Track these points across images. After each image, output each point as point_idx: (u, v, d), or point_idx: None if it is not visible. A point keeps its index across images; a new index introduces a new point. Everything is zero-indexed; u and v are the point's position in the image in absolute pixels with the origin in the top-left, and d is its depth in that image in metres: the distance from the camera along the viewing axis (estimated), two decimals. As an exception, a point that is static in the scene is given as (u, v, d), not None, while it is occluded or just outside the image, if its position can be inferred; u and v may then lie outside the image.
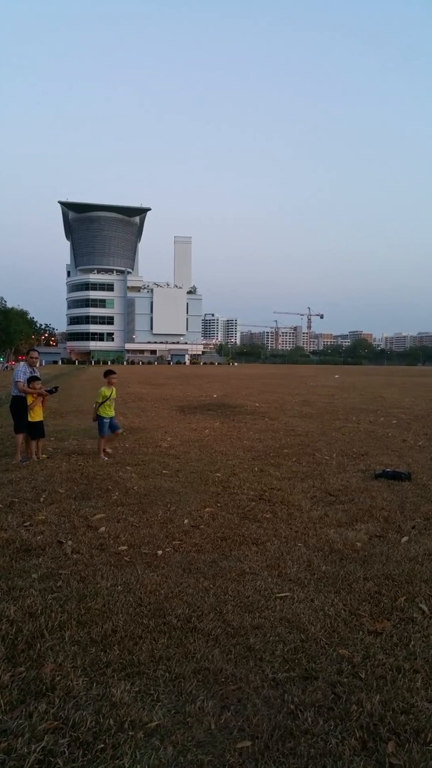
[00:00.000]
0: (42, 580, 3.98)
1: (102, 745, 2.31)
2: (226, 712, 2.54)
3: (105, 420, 8.85)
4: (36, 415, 8.69)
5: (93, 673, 2.83)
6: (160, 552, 4.57)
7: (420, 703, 2.61)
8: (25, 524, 5.29)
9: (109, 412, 8.90)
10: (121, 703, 2.58)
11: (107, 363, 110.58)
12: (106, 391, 8.90)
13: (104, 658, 2.96)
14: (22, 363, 9.35)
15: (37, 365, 9.36)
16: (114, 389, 9.17)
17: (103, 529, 5.15)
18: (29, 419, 8.61)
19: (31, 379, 8.75)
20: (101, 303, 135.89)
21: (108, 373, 9.24)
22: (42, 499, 6.20)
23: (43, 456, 8.81)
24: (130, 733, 2.38)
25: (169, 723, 2.46)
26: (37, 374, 9.02)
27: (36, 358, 9.33)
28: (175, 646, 3.09)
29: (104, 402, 8.83)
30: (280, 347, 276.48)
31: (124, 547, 4.68)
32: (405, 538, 5.00)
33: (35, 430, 8.72)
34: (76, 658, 2.95)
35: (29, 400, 8.65)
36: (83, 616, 3.42)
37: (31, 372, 8.88)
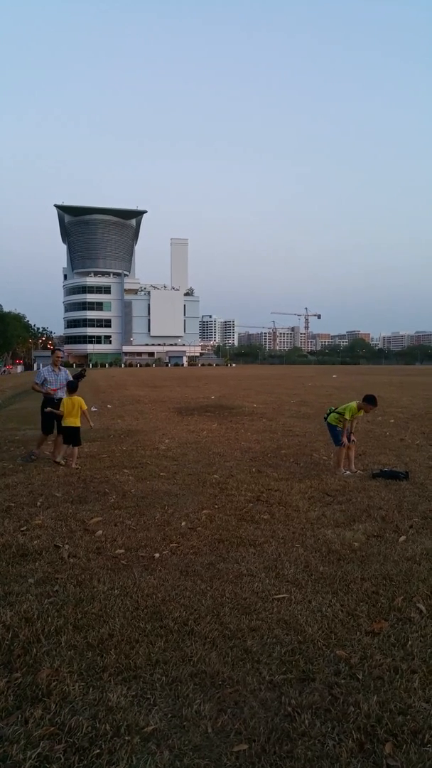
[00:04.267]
0: (38, 585, 3.97)
1: (98, 751, 2.29)
2: (223, 716, 2.53)
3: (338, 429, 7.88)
4: (69, 420, 8.36)
5: (89, 678, 2.81)
6: (157, 555, 4.56)
7: (417, 704, 2.60)
8: (22, 529, 5.27)
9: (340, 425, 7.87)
10: (118, 707, 2.57)
11: (105, 366, 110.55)
12: (353, 408, 7.75)
13: (101, 663, 2.94)
14: (47, 366, 9.18)
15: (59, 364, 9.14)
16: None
17: (100, 532, 5.14)
18: (62, 423, 8.41)
19: (69, 388, 8.62)
20: (98, 306, 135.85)
21: (372, 401, 7.71)
22: (39, 503, 6.18)
23: (75, 467, 8.18)
24: (127, 737, 2.37)
25: (165, 727, 2.45)
26: (49, 378, 8.81)
27: (60, 357, 9.10)
28: (172, 650, 3.08)
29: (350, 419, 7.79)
30: (277, 348, 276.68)
31: (121, 551, 4.66)
32: (402, 538, 4.99)
33: (66, 436, 8.44)
34: (72, 663, 2.94)
35: (62, 406, 8.42)
36: (80, 621, 3.40)
37: (55, 373, 8.86)
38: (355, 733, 2.40)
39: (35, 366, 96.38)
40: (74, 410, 8.42)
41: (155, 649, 3.07)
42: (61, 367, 9.08)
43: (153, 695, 2.67)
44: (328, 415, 8.13)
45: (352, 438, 8.00)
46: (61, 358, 9.12)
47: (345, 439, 7.80)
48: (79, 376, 9.16)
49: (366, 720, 2.48)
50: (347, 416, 7.77)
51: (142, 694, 2.68)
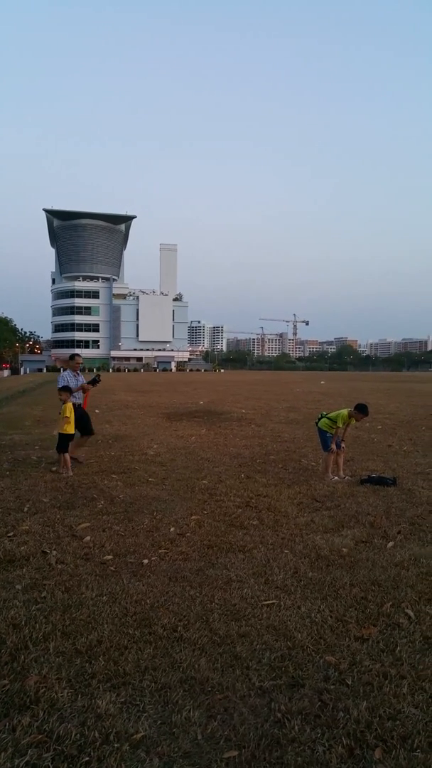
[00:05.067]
0: (26, 591, 3.93)
1: (87, 758, 2.27)
2: (213, 722, 2.52)
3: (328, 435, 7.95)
4: (68, 427, 8.28)
5: (78, 685, 2.79)
6: (145, 561, 4.54)
7: (406, 709, 2.61)
8: (9, 534, 5.22)
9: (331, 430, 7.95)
10: (107, 714, 2.55)
11: (93, 370, 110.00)
12: (345, 415, 7.85)
13: (89, 669, 2.92)
14: (67, 370, 9.06)
15: (78, 370, 9.08)
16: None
17: (88, 538, 5.10)
18: (60, 431, 8.26)
19: (62, 390, 8.45)
20: (86, 310, 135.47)
21: (364, 411, 7.83)
22: (26, 509, 6.12)
23: (53, 469, 8.33)
24: (116, 745, 2.35)
25: (155, 734, 2.43)
26: (71, 383, 8.67)
27: (79, 362, 9.05)
28: (161, 656, 3.06)
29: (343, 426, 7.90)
30: (266, 354, 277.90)
31: (110, 557, 4.63)
32: (391, 544, 5.02)
33: (63, 442, 8.27)
34: (60, 670, 2.91)
35: (65, 411, 8.23)
36: (68, 627, 3.37)
37: (76, 379, 8.78)
38: (344, 738, 2.40)
39: (22, 370, 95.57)
40: (69, 418, 8.40)
41: (144, 656, 3.05)
42: (78, 373, 9.06)
43: (142, 702, 2.66)
44: (319, 419, 8.18)
45: (342, 445, 8.05)
46: (81, 363, 9.12)
47: (333, 446, 7.86)
48: (93, 382, 9.14)
49: (356, 725, 2.49)
50: (339, 424, 7.85)
51: (131, 701, 2.66)
